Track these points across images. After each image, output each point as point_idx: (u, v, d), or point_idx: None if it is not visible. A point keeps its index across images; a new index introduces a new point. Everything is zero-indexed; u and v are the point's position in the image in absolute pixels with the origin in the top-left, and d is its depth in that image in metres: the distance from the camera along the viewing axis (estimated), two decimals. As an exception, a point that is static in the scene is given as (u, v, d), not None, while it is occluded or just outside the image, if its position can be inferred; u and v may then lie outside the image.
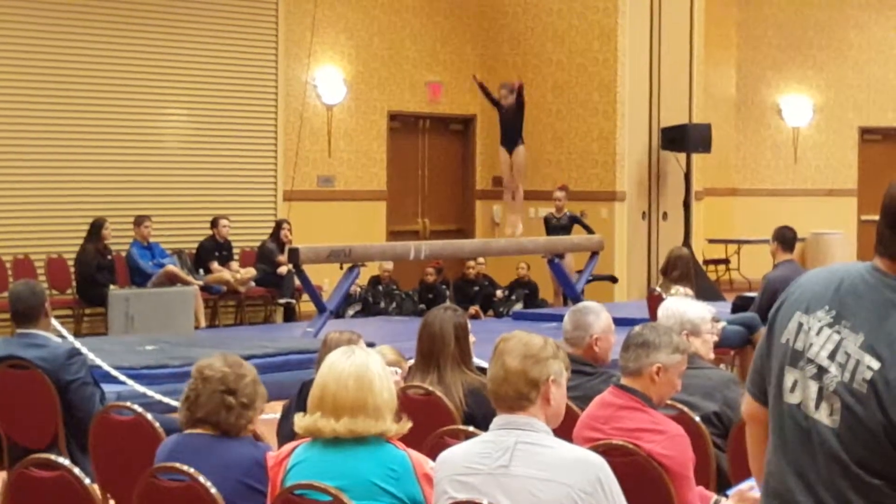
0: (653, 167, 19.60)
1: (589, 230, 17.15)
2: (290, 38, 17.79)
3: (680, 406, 5.67)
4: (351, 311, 17.08)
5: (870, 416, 2.90)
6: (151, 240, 15.97)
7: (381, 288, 17.58)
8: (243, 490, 4.67)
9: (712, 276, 21.40)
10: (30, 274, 14.49)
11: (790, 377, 3.07)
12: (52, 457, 4.96)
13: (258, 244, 17.14)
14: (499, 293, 18.16)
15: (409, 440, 4.51)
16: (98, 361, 9.51)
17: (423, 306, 16.58)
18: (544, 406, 4.10)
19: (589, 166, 19.31)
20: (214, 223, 16.57)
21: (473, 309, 17.35)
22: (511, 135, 15.86)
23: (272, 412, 6.37)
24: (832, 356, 2.98)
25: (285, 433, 5.90)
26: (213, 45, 16.97)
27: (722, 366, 10.29)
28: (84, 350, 8.10)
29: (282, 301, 16.88)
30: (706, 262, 21.44)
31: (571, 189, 18.16)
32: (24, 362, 7.09)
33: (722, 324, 7.56)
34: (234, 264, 16.79)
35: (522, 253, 16.56)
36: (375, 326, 14.22)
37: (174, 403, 5.07)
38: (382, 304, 17.40)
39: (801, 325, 3.07)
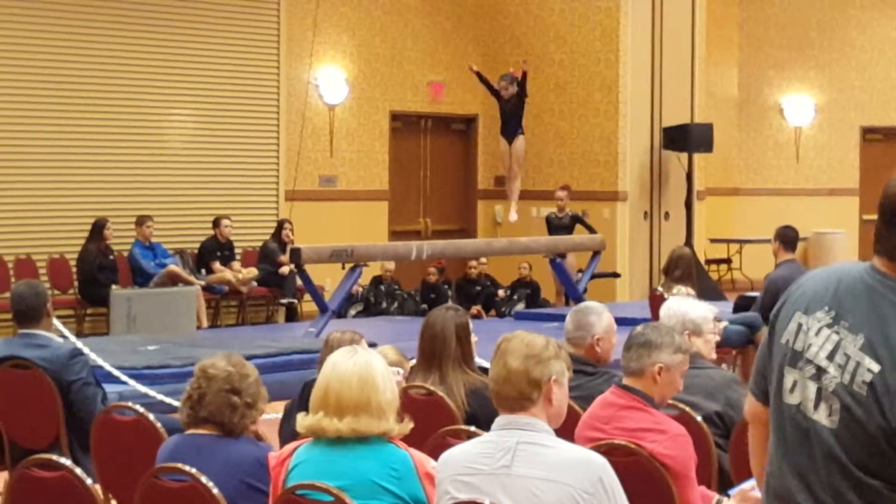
0: (655, 167, 19.60)
1: (591, 230, 17.14)
2: (292, 37, 17.79)
3: (682, 406, 5.67)
4: (353, 311, 17.08)
5: (869, 418, 2.90)
6: (153, 240, 15.97)
7: (382, 288, 17.58)
8: (245, 490, 4.67)
9: (714, 276, 21.40)
10: (32, 274, 14.49)
11: (790, 378, 3.07)
12: (54, 457, 4.96)
13: (260, 244, 17.15)
14: (501, 293, 18.17)
15: (411, 440, 4.51)
16: (100, 361, 9.52)
17: (424, 306, 16.57)
18: (546, 406, 4.10)
19: (591, 166, 19.31)
20: (216, 223, 16.57)
21: (475, 309, 17.36)
22: (511, 125, 15.88)
23: (274, 412, 6.37)
24: (831, 357, 2.98)
25: (287, 433, 5.90)
26: (215, 45, 16.97)
27: (724, 366, 10.28)
28: (86, 350, 8.10)
29: (284, 301, 16.88)
30: (708, 262, 21.44)
31: (573, 189, 18.16)
32: (25, 362, 7.09)
33: (724, 324, 7.56)
34: (236, 264, 16.79)
35: (524, 253, 16.56)
36: (377, 326, 14.22)
37: (176, 403, 5.06)
38: (384, 304, 17.40)
39: (800, 325, 3.07)
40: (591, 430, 5.17)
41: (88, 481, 4.76)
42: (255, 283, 16.78)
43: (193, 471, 4.57)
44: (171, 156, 16.67)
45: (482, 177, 20.24)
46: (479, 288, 18.19)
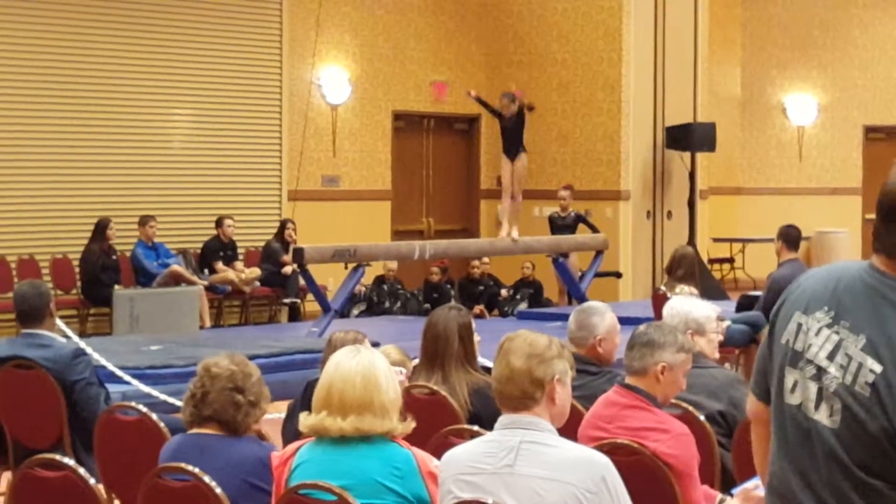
0: (657, 166, 19.60)
1: (594, 229, 17.12)
2: (295, 37, 17.80)
3: (685, 405, 5.66)
4: (355, 311, 17.08)
5: (871, 418, 2.89)
6: (156, 240, 15.98)
7: (385, 287, 17.58)
8: (248, 489, 4.67)
9: (717, 275, 21.40)
10: (34, 274, 14.50)
11: (790, 378, 3.06)
12: (57, 457, 4.96)
13: (263, 244, 17.15)
14: (503, 292, 18.17)
15: (414, 440, 4.51)
16: (103, 361, 9.52)
17: (427, 306, 16.57)
18: (549, 405, 4.10)
19: (594, 165, 19.31)
20: (219, 223, 16.58)
21: (478, 308, 17.36)
22: (513, 144, 15.59)
23: (276, 412, 6.37)
24: (831, 357, 2.98)
25: (290, 433, 5.90)
26: (218, 44, 16.97)
27: (727, 365, 10.30)
28: (89, 350, 8.09)
29: (286, 301, 16.89)
30: (711, 261, 21.43)
31: (576, 188, 18.14)
32: (29, 362, 7.09)
33: (726, 323, 7.56)
34: (239, 264, 16.80)
35: (527, 252, 16.55)
36: (380, 326, 14.22)
37: (179, 403, 5.06)
38: (387, 304, 17.40)
39: (800, 325, 3.06)
40: (593, 429, 5.17)
41: (92, 481, 4.76)
42: (257, 283, 16.78)
43: (196, 470, 4.57)
44: (174, 156, 16.68)
45: (485, 176, 20.24)
46: (481, 287, 18.20)
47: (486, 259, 18.14)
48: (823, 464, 2.96)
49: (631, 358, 5.25)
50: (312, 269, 13.66)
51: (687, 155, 19.58)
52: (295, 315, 16.90)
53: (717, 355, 6.45)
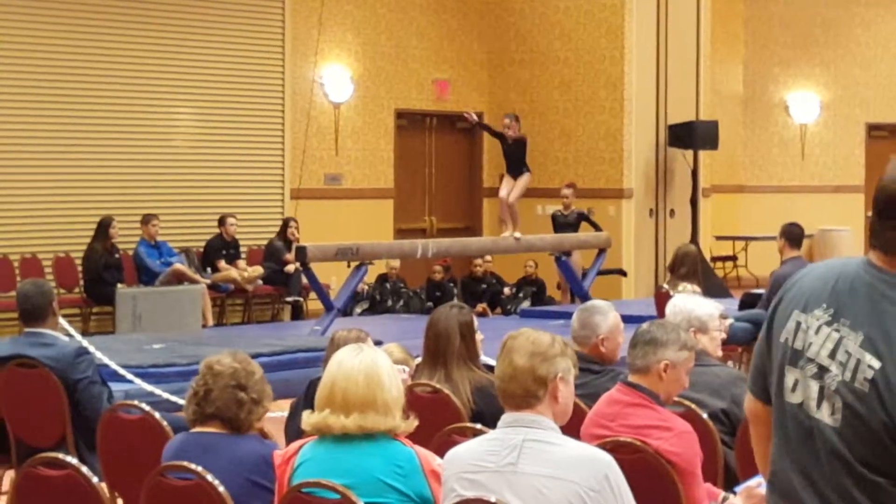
0: (660, 164, 19.59)
1: (597, 227, 17.11)
2: (297, 36, 17.80)
3: (687, 403, 5.66)
4: (358, 309, 17.09)
5: (872, 414, 2.89)
6: (159, 238, 15.98)
7: (388, 286, 17.58)
8: (251, 488, 4.67)
9: (720, 273, 21.40)
10: (37, 273, 14.51)
11: (791, 377, 3.06)
12: (60, 455, 4.96)
13: (265, 242, 17.15)
14: (506, 291, 18.17)
15: (417, 438, 4.50)
16: (106, 360, 9.53)
17: (430, 304, 16.58)
18: (552, 404, 4.10)
19: (596, 164, 19.30)
20: (222, 221, 16.58)
21: (481, 307, 17.36)
22: (516, 164, 15.53)
23: (279, 410, 6.37)
24: (832, 355, 2.97)
25: (293, 431, 5.90)
26: (220, 43, 16.97)
27: (729, 363, 10.29)
28: (92, 349, 8.10)
29: (289, 299, 16.89)
30: (714, 259, 21.43)
31: (579, 186, 18.13)
32: (31, 361, 7.09)
33: (729, 321, 7.55)
34: (242, 263, 16.80)
35: (530, 251, 16.56)
36: (383, 324, 14.22)
37: (182, 402, 5.06)
38: (390, 302, 17.40)
39: (799, 323, 3.06)
40: (596, 427, 5.17)
41: (94, 480, 4.76)
42: (260, 282, 16.78)
43: (199, 469, 4.57)
44: (177, 154, 16.68)
45: (487, 175, 20.23)
46: (484, 286, 18.20)
47: (488, 257, 18.14)
48: (826, 462, 2.96)
49: (634, 356, 5.25)
50: (315, 267, 13.66)
51: (689, 153, 19.57)
52: (298, 313, 16.90)
53: (719, 353, 6.44)
